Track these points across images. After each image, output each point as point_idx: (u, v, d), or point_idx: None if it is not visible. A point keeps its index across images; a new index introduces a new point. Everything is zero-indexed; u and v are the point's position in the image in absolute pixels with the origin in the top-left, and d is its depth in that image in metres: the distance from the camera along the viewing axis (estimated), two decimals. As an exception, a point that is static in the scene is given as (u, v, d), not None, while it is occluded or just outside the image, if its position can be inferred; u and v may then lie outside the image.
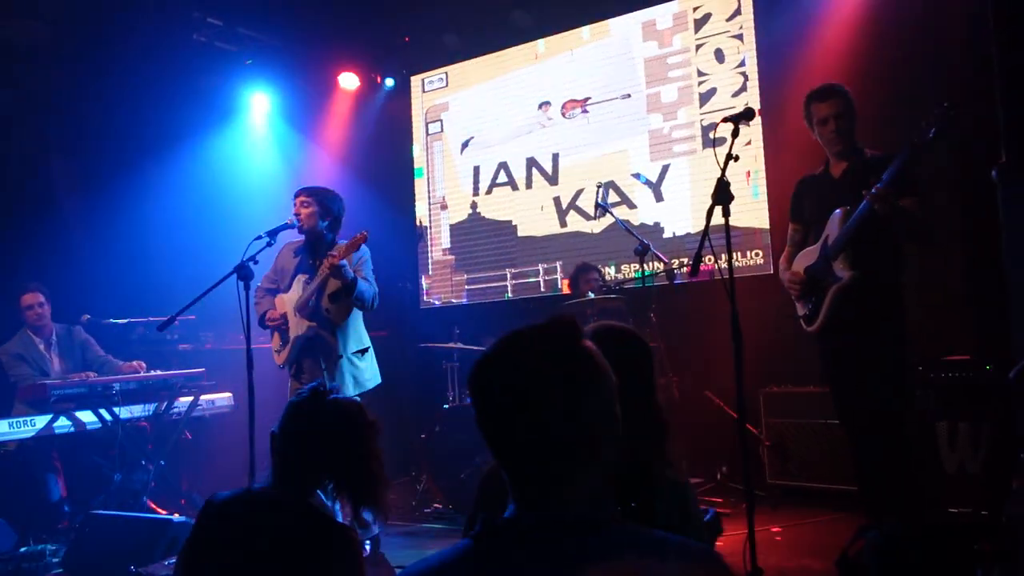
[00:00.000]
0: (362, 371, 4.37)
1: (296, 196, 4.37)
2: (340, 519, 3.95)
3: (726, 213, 3.01)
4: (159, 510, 4.91)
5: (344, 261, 4.07)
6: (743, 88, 5.77)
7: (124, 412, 5.06)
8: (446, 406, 5.42)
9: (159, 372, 5.42)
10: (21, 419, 4.75)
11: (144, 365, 5.43)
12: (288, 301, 4.39)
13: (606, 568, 1.08)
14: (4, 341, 5.35)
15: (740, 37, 5.80)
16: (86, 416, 4.99)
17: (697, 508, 1.94)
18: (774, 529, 4.29)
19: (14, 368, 5.24)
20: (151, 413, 5.26)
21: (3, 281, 5.66)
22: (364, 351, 4.43)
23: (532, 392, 1.14)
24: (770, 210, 5.58)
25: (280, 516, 1.97)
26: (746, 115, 3.21)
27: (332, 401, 2.12)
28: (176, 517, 3.84)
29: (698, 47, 5.99)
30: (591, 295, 5.15)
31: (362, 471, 2.09)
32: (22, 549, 4.47)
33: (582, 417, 1.15)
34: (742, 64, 5.79)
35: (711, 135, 5.15)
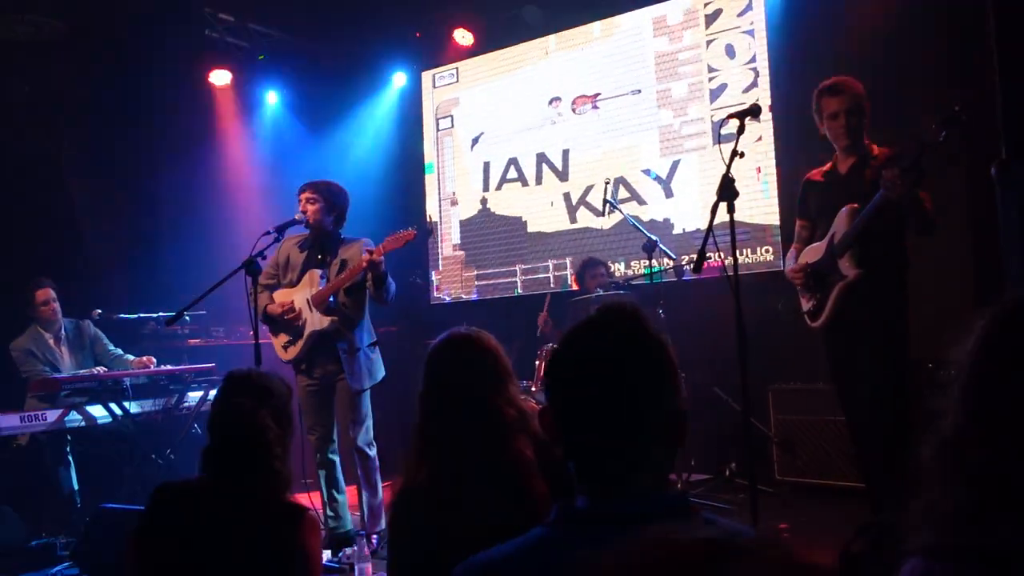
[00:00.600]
0: (375, 363, 4.44)
1: (301, 192, 4.38)
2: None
3: (731, 209, 3.00)
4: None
5: (382, 259, 4.10)
6: (754, 84, 5.74)
7: (134, 406, 5.10)
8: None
9: (169, 367, 5.46)
10: (33, 413, 4.79)
11: (154, 360, 5.46)
12: (297, 296, 4.38)
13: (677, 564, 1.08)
14: (15, 335, 5.39)
15: (751, 33, 5.77)
16: (97, 410, 5.03)
17: None
18: (782, 525, 4.26)
19: (25, 363, 5.28)
20: (161, 407, 5.30)
21: (15, 276, 5.70)
22: (375, 344, 4.48)
23: (628, 378, 1.16)
24: (780, 207, 5.55)
25: (232, 504, 2.02)
26: (752, 111, 3.18)
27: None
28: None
29: (709, 43, 5.96)
30: (599, 291, 5.14)
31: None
32: (33, 542, 4.52)
33: (665, 404, 1.17)
34: (753, 60, 5.76)
35: (720, 131, 5.16)
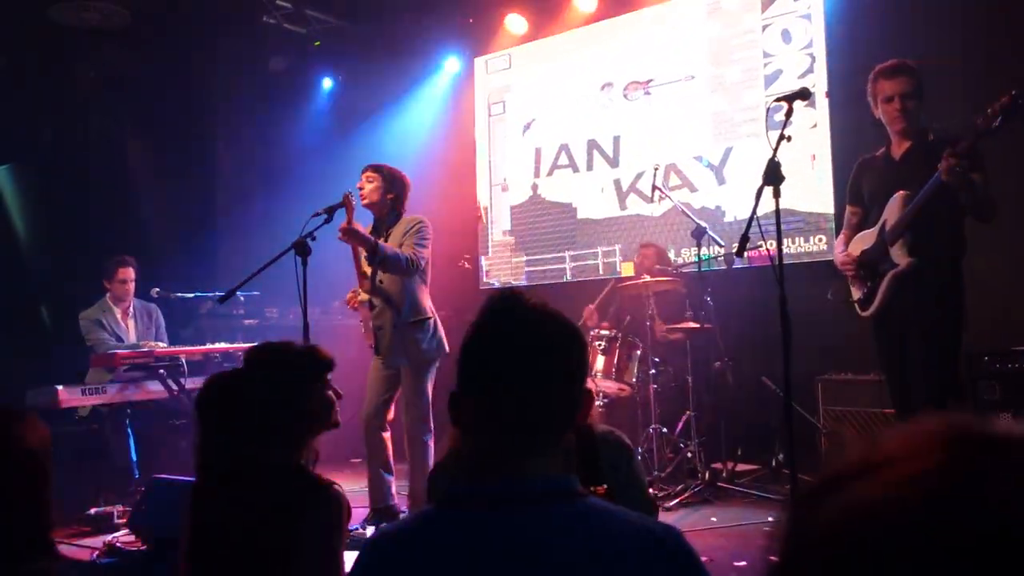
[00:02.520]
0: (418, 341, 4.37)
1: (363, 171, 4.49)
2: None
3: (777, 194, 2.96)
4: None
5: (354, 225, 4.14)
6: (810, 69, 5.63)
7: (190, 383, 5.24)
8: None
9: (223, 345, 5.59)
10: (93, 386, 4.97)
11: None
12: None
13: (571, 536, 1.11)
14: (77, 311, 5.60)
15: (808, 17, 5.66)
16: (154, 385, 5.19)
17: (641, 471, 2.00)
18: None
19: (92, 332, 5.49)
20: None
21: (80, 254, 5.91)
22: (420, 321, 4.42)
23: (543, 360, 1.18)
24: (835, 194, 5.45)
25: (259, 480, 2.01)
26: (801, 94, 3.13)
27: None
28: (233, 483, 3.96)
29: (764, 27, 5.86)
30: (645, 277, 5.13)
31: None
32: (92, 511, 4.69)
33: (573, 391, 1.20)
34: (809, 45, 5.65)
35: (773, 117, 5.08)
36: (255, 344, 2.30)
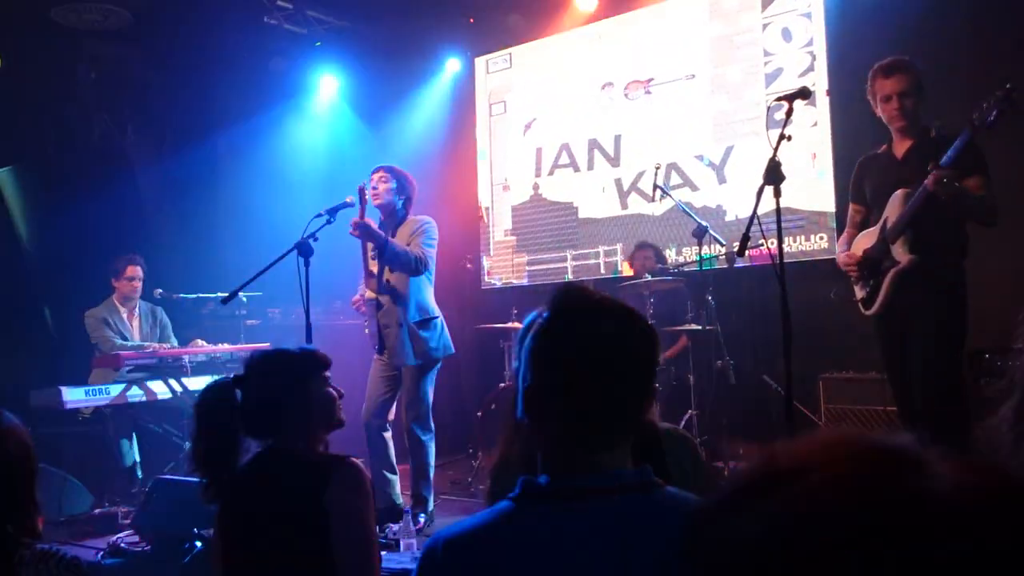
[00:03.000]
0: (425, 340, 4.40)
1: (375, 172, 4.49)
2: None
3: (777, 193, 2.96)
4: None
5: (367, 220, 4.17)
6: (811, 68, 5.64)
7: (193, 383, 5.26)
8: (502, 385, 5.48)
9: (226, 345, 5.61)
10: (97, 387, 4.99)
11: (203, 343, 5.65)
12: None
13: (652, 526, 1.12)
14: (81, 310, 5.63)
15: (808, 16, 5.66)
16: (158, 386, 5.21)
17: (705, 465, 2.05)
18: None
19: (96, 330, 5.52)
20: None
21: (82, 255, 5.93)
22: (427, 321, 4.46)
23: (623, 354, 1.18)
24: (836, 193, 5.45)
25: (275, 466, 2.08)
26: (802, 94, 3.14)
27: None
28: (237, 483, 3.98)
29: (765, 26, 5.87)
30: (647, 276, 5.13)
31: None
32: (96, 511, 4.71)
33: (647, 384, 1.21)
34: (810, 43, 5.65)
35: (773, 116, 5.08)
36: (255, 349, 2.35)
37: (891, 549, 0.46)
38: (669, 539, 1.07)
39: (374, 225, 4.28)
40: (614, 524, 1.12)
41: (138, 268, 5.70)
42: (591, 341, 1.18)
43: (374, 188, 4.42)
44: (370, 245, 4.42)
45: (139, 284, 5.71)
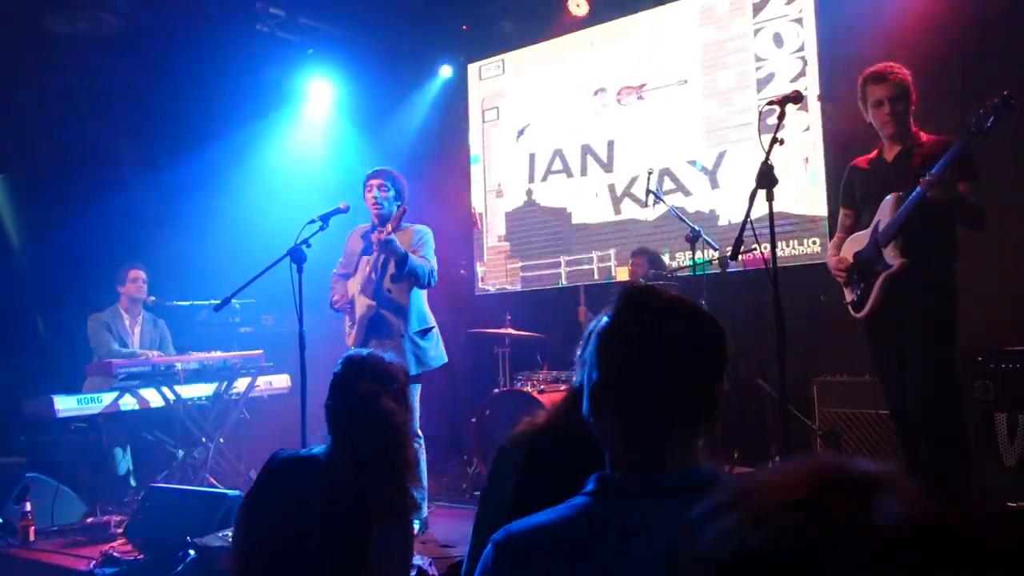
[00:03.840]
0: (425, 350, 4.43)
1: (372, 177, 4.46)
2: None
3: (770, 198, 2.98)
4: (218, 486, 5.08)
5: (392, 237, 4.16)
6: (802, 73, 5.66)
7: (186, 391, 5.25)
8: (496, 391, 5.47)
9: (219, 353, 5.60)
10: (89, 396, 4.97)
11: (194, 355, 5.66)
12: (354, 284, 4.50)
13: None
14: (73, 320, 5.64)
15: (799, 21, 5.69)
16: (150, 394, 5.19)
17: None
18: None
19: (98, 334, 5.54)
20: (212, 393, 5.44)
21: (77, 264, 5.92)
22: (427, 331, 4.48)
23: (695, 350, 1.19)
24: (828, 197, 5.47)
25: (333, 479, 2.05)
26: (793, 98, 3.16)
27: (371, 360, 2.22)
28: (230, 491, 3.97)
29: (756, 31, 5.89)
30: (641, 280, 5.14)
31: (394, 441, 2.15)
32: (89, 520, 4.69)
33: (716, 387, 1.20)
34: (801, 49, 5.68)
35: (766, 121, 5.10)
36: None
37: (821, 568, 0.50)
38: None
39: (396, 241, 4.26)
40: (682, 521, 1.12)
41: (140, 271, 5.81)
42: (656, 338, 1.18)
43: (374, 198, 4.41)
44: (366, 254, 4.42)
45: (144, 285, 5.79)
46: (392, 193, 4.44)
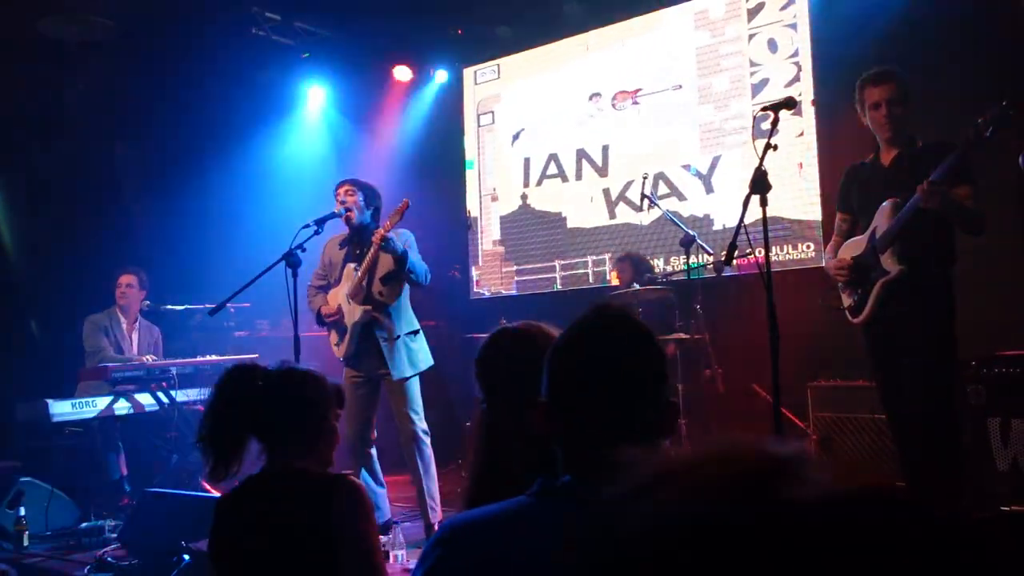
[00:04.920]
0: (416, 352, 4.48)
1: (340, 186, 4.47)
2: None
3: (764, 203, 2.98)
4: (213, 491, 5.07)
5: (392, 234, 4.16)
6: (796, 78, 5.68)
7: (180, 395, 5.23)
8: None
9: (214, 357, 5.59)
10: (84, 400, 4.95)
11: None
12: (339, 293, 4.49)
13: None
14: (65, 324, 5.62)
15: (794, 26, 5.71)
16: (145, 398, 5.18)
17: None
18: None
19: (93, 337, 5.52)
20: (206, 397, 5.42)
21: (70, 268, 5.91)
22: (416, 332, 4.53)
23: (632, 379, 1.24)
24: (822, 202, 5.49)
25: (273, 488, 2.05)
26: (787, 104, 3.16)
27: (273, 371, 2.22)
28: (225, 496, 3.96)
29: (751, 37, 5.91)
30: (635, 285, 5.15)
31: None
32: (83, 524, 4.67)
33: (662, 402, 1.26)
34: (795, 54, 5.70)
35: (760, 126, 5.12)
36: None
37: (740, 548, 0.51)
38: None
39: (396, 239, 4.27)
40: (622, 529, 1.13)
41: (132, 276, 5.75)
42: (598, 354, 1.25)
43: (342, 201, 4.41)
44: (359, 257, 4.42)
45: (130, 292, 5.72)
46: (360, 197, 4.43)
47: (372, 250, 4.28)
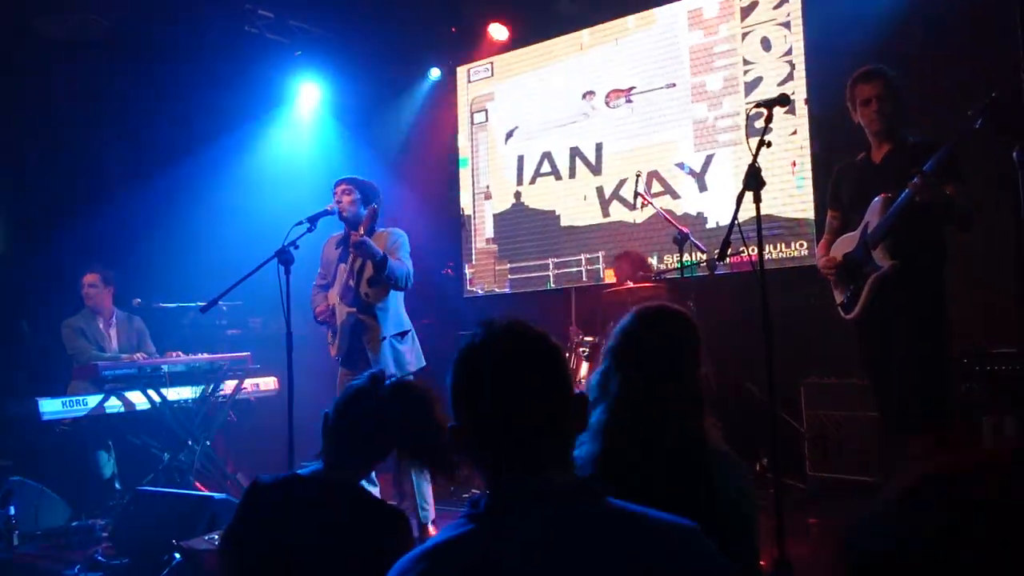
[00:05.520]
0: (403, 353, 4.44)
1: (336, 185, 4.46)
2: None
3: (757, 199, 2.98)
4: (205, 489, 5.05)
5: (366, 238, 4.15)
6: (789, 77, 5.68)
7: (172, 394, 5.22)
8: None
9: (206, 355, 5.57)
10: (74, 398, 4.93)
11: (181, 354, 5.60)
12: (333, 292, 4.49)
13: (597, 535, 1.14)
14: (55, 322, 5.59)
15: (787, 25, 5.71)
16: (136, 397, 5.16)
17: (750, 481, 2.00)
18: (810, 520, 4.25)
19: (73, 341, 5.47)
20: (198, 395, 5.41)
21: (62, 266, 5.88)
22: (404, 334, 4.50)
23: (523, 387, 1.24)
24: (815, 201, 5.49)
25: (330, 500, 1.95)
26: (780, 101, 3.16)
27: (390, 385, 2.08)
28: (216, 495, 3.94)
29: (744, 35, 5.91)
30: (629, 283, 5.14)
31: (433, 445, 2.02)
32: (74, 523, 4.65)
33: (563, 398, 1.26)
34: (789, 52, 5.70)
35: (753, 124, 5.13)
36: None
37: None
38: (613, 549, 1.10)
39: (371, 242, 4.26)
40: (556, 533, 1.15)
41: (95, 276, 5.65)
42: (503, 374, 1.25)
43: (338, 202, 4.40)
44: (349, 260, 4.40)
45: (95, 292, 5.63)
46: (358, 197, 4.42)
47: (351, 253, 4.28)
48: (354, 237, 4.16)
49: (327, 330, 4.59)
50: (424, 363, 4.55)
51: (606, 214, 6.54)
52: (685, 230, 4.96)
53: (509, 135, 7.13)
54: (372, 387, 2.06)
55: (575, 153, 6.73)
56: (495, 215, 7.21)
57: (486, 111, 7.30)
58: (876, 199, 3.49)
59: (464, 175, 7.42)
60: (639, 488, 1.43)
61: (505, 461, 1.24)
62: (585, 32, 6.70)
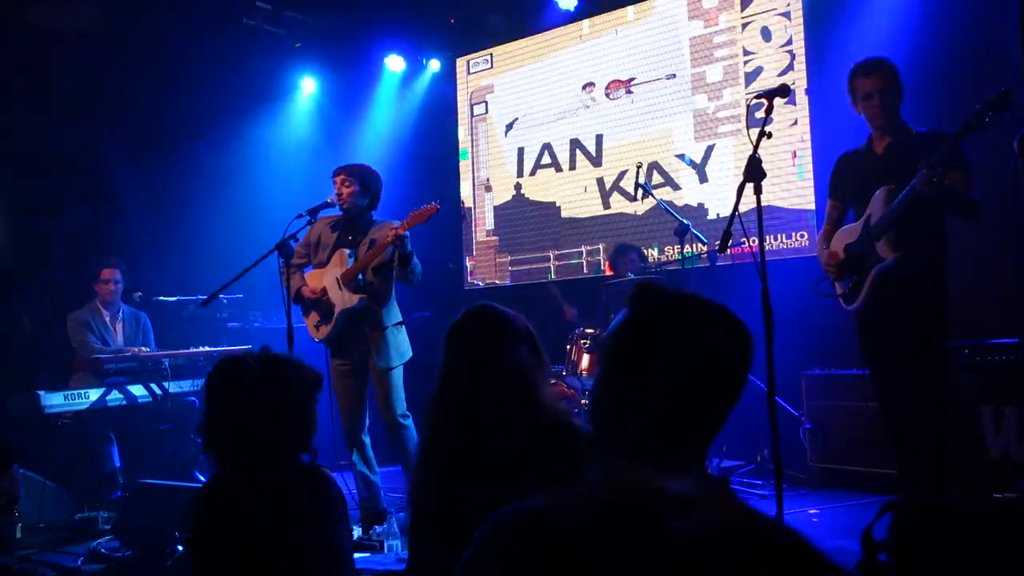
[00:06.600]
0: (401, 343, 4.48)
1: (335, 175, 4.43)
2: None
3: (758, 190, 2.98)
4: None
5: (407, 232, 4.15)
6: (790, 67, 5.67)
7: (173, 387, 5.22)
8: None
9: (207, 348, 5.57)
10: (76, 392, 4.93)
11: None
12: (327, 275, 4.43)
13: None
14: (54, 315, 5.58)
15: (787, 15, 5.69)
16: (137, 390, 5.16)
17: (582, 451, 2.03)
18: (812, 511, 4.26)
19: (77, 334, 5.45)
20: (199, 388, 5.41)
21: (60, 259, 5.88)
22: (400, 324, 4.53)
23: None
24: (816, 191, 5.49)
25: (257, 483, 2.02)
26: (780, 91, 3.14)
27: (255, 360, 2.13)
28: (219, 487, 3.95)
29: (744, 25, 5.89)
30: (631, 275, 5.14)
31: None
32: (77, 516, 4.66)
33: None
34: (789, 42, 5.68)
35: (754, 114, 5.12)
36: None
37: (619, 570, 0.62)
38: None
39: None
40: None
41: (115, 271, 5.63)
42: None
43: (338, 193, 4.38)
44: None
45: (115, 287, 5.62)
46: (357, 188, 4.40)
47: (380, 243, 4.25)
48: (400, 230, 4.14)
49: (307, 313, 4.51)
50: (411, 354, 4.57)
51: (607, 206, 6.53)
52: (686, 221, 4.95)
53: (509, 127, 7.12)
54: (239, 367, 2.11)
55: (575, 145, 6.72)
56: (495, 207, 7.20)
57: (486, 103, 7.28)
58: (879, 191, 3.48)
59: (464, 167, 7.41)
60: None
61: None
62: (585, 23, 6.68)
